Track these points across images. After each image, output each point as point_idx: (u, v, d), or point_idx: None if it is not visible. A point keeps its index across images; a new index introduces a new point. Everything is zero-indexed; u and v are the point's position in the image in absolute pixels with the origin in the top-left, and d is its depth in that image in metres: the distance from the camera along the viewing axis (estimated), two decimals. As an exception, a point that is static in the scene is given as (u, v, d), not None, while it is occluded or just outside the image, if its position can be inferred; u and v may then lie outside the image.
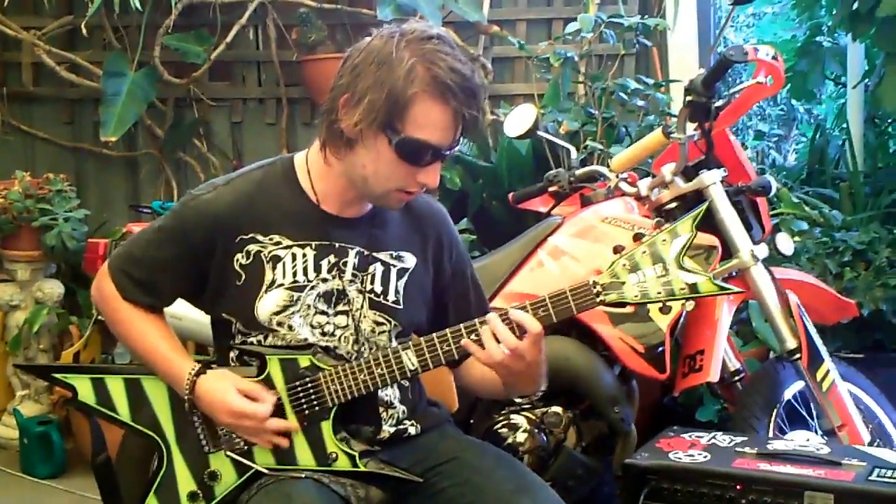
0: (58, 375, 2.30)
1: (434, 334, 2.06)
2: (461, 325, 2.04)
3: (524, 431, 2.83)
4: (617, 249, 1.99)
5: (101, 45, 4.93)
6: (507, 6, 4.95)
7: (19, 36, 4.82)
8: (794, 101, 7.00)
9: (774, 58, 3.00)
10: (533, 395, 2.19)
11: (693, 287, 1.94)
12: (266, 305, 2.13)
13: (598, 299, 1.98)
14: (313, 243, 2.16)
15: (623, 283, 1.96)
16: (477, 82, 2.01)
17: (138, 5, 4.32)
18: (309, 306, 2.14)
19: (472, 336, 2.02)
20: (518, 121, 3.22)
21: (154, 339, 2.20)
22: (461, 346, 2.03)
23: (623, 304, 1.99)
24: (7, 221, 4.41)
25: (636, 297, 1.96)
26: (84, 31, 4.57)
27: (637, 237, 1.99)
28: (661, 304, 1.98)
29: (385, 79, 1.97)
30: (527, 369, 2.04)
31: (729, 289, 2.00)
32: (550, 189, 3.23)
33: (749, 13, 7.93)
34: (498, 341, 2.00)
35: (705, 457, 2.38)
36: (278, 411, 2.10)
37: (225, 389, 2.10)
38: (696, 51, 4.78)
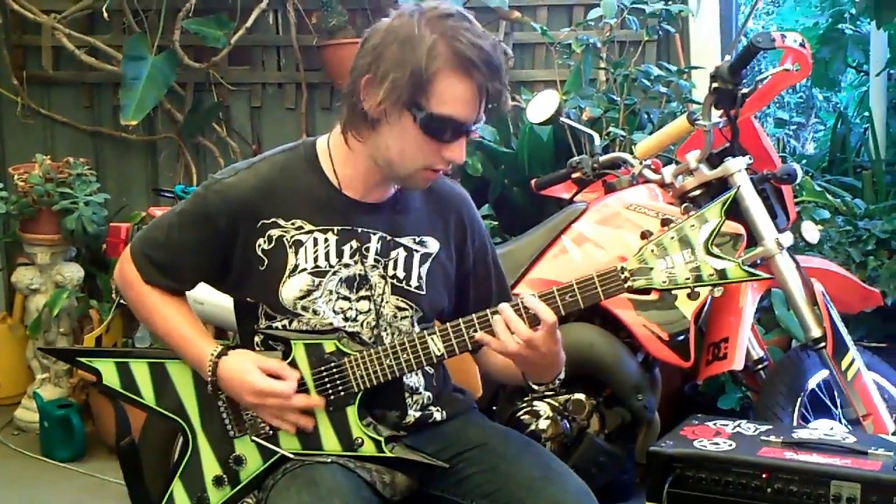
0: (82, 359, 2.29)
1: (461, 319, 2.04)
2: (486, 312, 2.03)
3: (547, 418, 2.83)
4: (644, 235, 1.98)
5: (120, 28, 4.92)
6: (528, -9, 4.93)
7: (39, 19, 4.83)
8: (813, 89, 6.96)
9: (802, 45, 2.98)
10: (552, 384, 2.17)
11: (722, 273, 1.92)
12: (290, 290, 2.12)
13: (625, 285, 1.96)
14: (335, 228, 2.15)
15: (651, 268, 1.94)
16: (499, 56, 2.00)
17: (159, -11, 4.33)
18: (331, 291, 2.14)
19: (486, 327, 2.02)
20: (541, 107, 3.21)
21: (177, 322, 2.19)
22: (475, 338, 2.03)
23: (650, 291, 1.98)
24: (27, 205, 4.42)
25: (664, 282, 1.95)
26: (104, 14, 4.57)
27: (665, 223, 1.97)
28: (689, 290, 1.97)
29: (407, 57, 1.96)
30: (542, 359, 2.03)
31: (758, 275, 1.98)
32: (574, 176, 3.21)
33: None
34: (511, 332, 1.99)
35: (730, 445, 2.36)
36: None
37: (247, 369, 2.09)
38: (719, 37, 4.75)
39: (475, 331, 2.03)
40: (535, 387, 2.18)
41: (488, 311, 2.03)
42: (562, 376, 2.18)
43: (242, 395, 2.10)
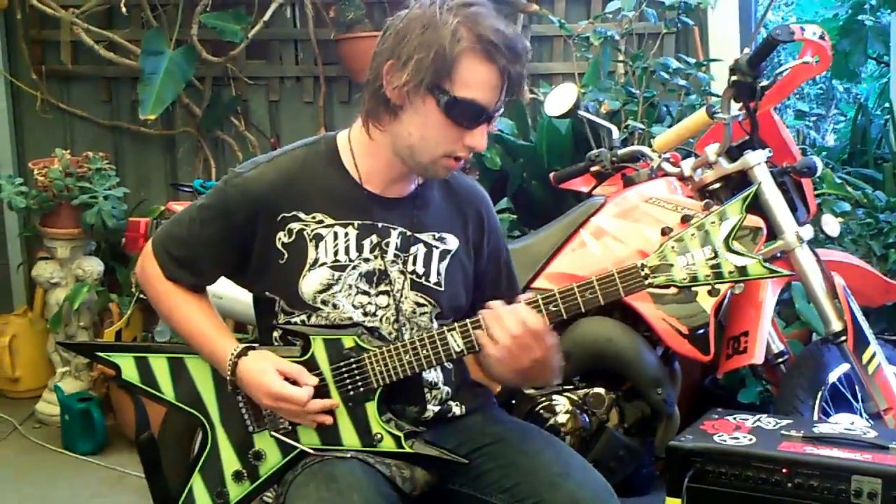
0: (102, 354, 2.31)
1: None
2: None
3: (566, 412, 2.82)
4: (664, 231, 1.97)
5: (139, 23, 4.95)
6: (547, -16, 4.91)
7: (58, 14, 4.84)
8: (833, 81, 6.92)
9: (822, 37, 2.95)
10: (545, 388, 2.16)
11: (742, 270, 1.91)
12: (310, 284, 2.12)
13: (646, 282, 1.95)
14: (356, 222, 2.14)
15: (671, 265, 1.93)
16: (520, 42, 2.02)
17: (176, -17, 4.34)
18: (351, 286, 2.13)
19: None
20: (559, 100, 3.20)
21: (197, 319, 2.20)
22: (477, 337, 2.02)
23: (669, 287, 1.97)
24: (47, 199, 4.45)
25: (684, 279, 1.93)
26: (122, 9, 4.59)
27: (685, 219, 1.96)
28: (709, 287, 1.96)
29: (431, 39, 1.97)
30: (533, 364, 2.01)
31: (779, 272, 1.97)
32: (592, 169, 3.20)
33: (789, -10, 7.86)
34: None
35: (751, 440, 2.35)
36: (323, 392, 2.09)
37: (265, 370, 2.08)
38: (738, 30, 4.73)
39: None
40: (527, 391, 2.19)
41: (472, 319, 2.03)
42: (557, 381, 2.18)
43: (260, 397, 2.10)
